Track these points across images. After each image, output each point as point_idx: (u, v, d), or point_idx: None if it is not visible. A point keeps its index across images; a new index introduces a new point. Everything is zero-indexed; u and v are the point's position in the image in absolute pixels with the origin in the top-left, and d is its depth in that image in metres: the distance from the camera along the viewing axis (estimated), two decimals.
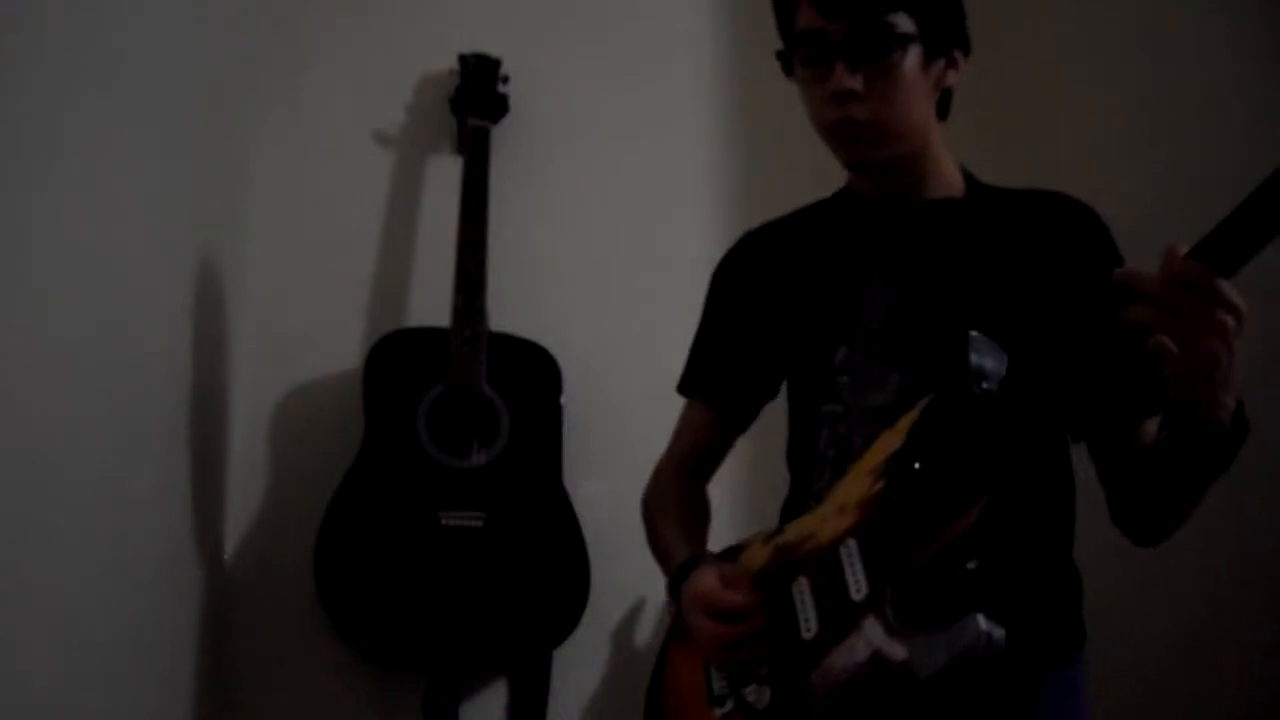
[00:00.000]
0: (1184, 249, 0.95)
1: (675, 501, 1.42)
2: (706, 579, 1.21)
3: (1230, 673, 1.91)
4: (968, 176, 1.34)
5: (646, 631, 2.18)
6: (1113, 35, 2.32)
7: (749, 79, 2.54)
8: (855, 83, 1.20)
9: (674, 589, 1.27)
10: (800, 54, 1.25)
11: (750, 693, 1.17)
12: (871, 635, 1.06)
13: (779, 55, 1.30)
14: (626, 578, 2.06)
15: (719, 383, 1.43)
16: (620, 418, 2.24)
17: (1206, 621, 1.96)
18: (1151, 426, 1.21)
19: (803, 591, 1.15)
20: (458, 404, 2.07)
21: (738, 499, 1.96)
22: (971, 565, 1.05)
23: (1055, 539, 1.26)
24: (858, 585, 1.09)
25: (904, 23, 1.20)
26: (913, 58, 1.22)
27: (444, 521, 1.97)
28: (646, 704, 1.35)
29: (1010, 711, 1.18)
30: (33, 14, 1.20)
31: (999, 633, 1.00)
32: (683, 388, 1.47)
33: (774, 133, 2.44)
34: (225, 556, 2.03)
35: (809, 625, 1.13)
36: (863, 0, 1.19)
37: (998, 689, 1.16)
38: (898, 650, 1.04)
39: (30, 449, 1.20)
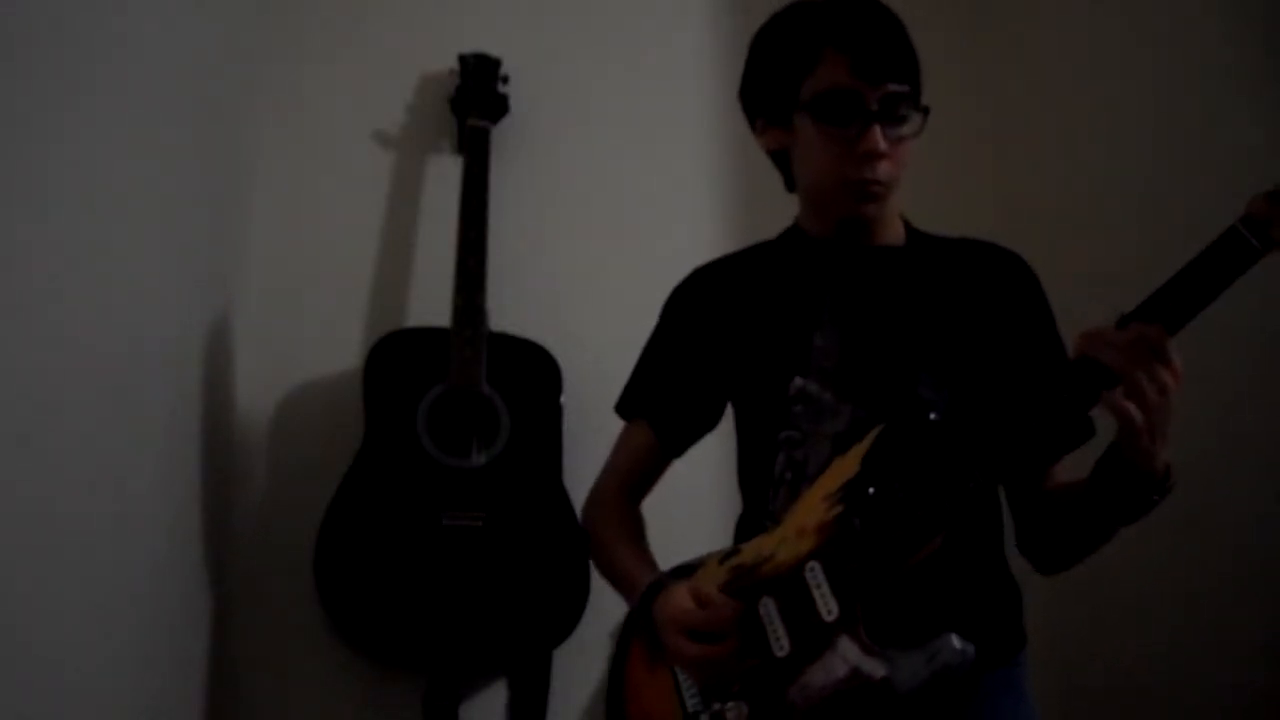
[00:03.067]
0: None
1: (621, 521, 1.47)
2: (680, 599, 1.24)
3: (1220, 680, 1.91)
4: (907, 225, 1.42)
5: None
6: (1111, 40, 2.32)
7: None
8: (886, 146, 1.28)
9: (643, 610, 1.29)
10: (824, 109, 1.29)
11: (729, 709, 1.20)
12: (848, 654, 1.13)
13: (768, 104, 1.38)
14: None
15: (662, 407, 1.48)
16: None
17: (1199, 628, 1.97)
18: (1061, 467, 1.32)
19: (770, 612, 1.20)
20: (458, 404, 2.07)
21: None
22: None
23: (991, 550, 1.34)
24: (828, 607, 1.16)
25: (917, 89, 1.31)
26: (916, 124, 1.31)
27: (444, 522, 1.97)
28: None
29: (955, 709, 1.22)
30: (34, 12, 1.20)
31: (970, 649, 1.09)
32: (623, 408, 1.52)
33: None
34: (226, 556, 2.03)
35: (781, 644, 1.18)
36: (901, 69, 1.29)
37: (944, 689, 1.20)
38: (877, 668, 1.11)
39: (31, 449, 1.20)
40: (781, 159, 1.41)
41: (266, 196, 2.23)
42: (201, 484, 1.89)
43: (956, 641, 1.09)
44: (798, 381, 1.32)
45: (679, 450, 1.50)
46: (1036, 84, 2.49)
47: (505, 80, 2.35)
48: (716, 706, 1.21)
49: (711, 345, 1.42)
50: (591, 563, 1.51)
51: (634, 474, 1.50)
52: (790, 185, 1.43)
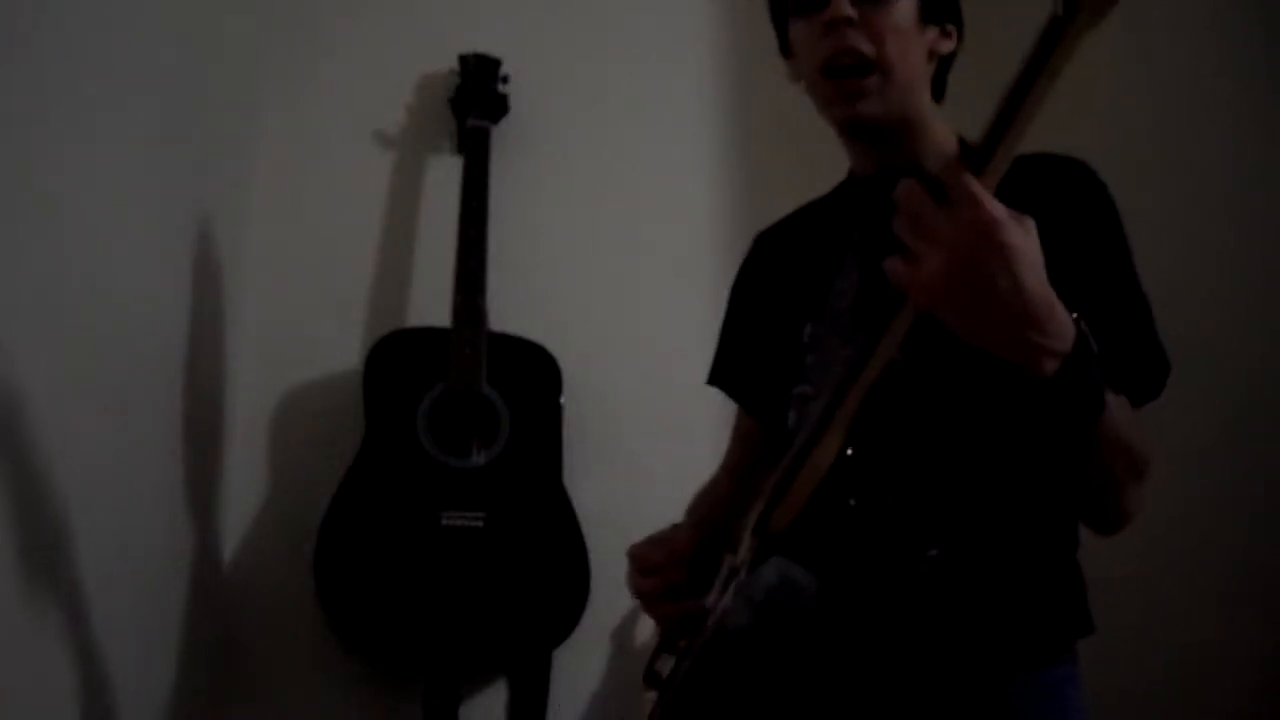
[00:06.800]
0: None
1: (708, 496, 1.42)
2: (648, 537, 1.19)
3: (1232, 684, 1.91)
4: (964, 146, 1.28)
5: (646, 631, 2.17)
6: (1107, 42, 2.32)
7: (749, 78, 2.54)
8: (852, 11, 1.18)
9: None
10: (796, 6, 1.24)
11: (660, 662, 1.18)
12: (728, 596, 1.03)
13: (776, 23, 1.30)
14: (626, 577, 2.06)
15: (736, 382, 1.43)
16: (620, 418, 2.24)
17: (1209, 631, 1.96)
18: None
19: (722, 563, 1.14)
20: (458, 404, 2.07)
21: None
22: (933, 553, 1.00)
23: (1037, 532, 1.15)
24: (744, 549, 1.06)
25: None
26: (907, 4, 1.21)
27: (444, 522, 1.97)
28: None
29: (977, 715, 1.09)
30: (34, 12, 1.20)
31: (803, 577, 0.95)
32: (711, 378, 1.45)
33: (775, 132, 2.44)
34: (225, 557, 2.03)
35: (711, 594, 1.12)
36: None
37: (960, 688, 1.09)
38: (729, 606, 1.01)
39: (29, 448, 1.20)
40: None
41: (266, 196, 2.23)
42: (201, 485, 1.89)
43: (778, 566, 0.96)
44: (809, 329, 1.23)
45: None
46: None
47: (505, 80, 2.35)
48: (660, 658, 1.19)
49: (762, 309, 1.37)
50: None
51: (744, 454, 1.43)
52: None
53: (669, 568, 1.15)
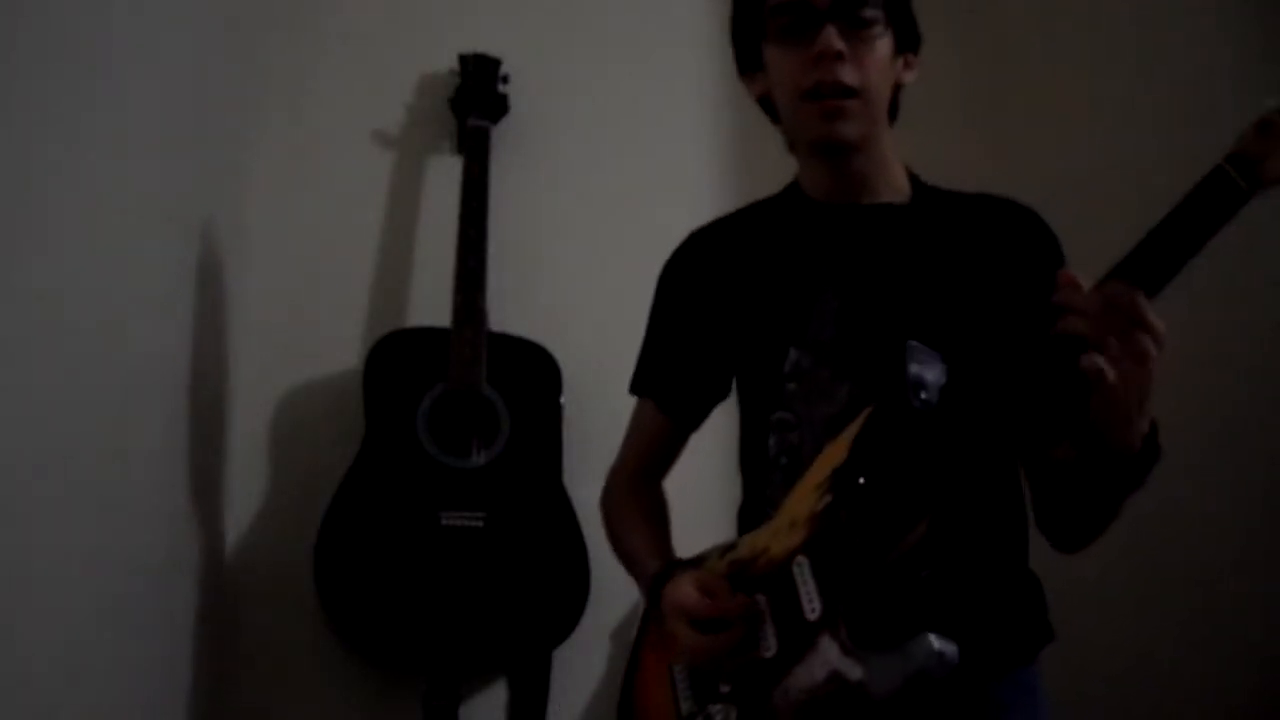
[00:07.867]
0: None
1: (635, 508, 1.44)
2: (685, 587, 1.21)
3: (1226, 677, 1.91)
4: (914, 179, 1.36)
5: None
6: (1108, 38, 2.32)
7: None
8: (842, 45, 1.23)
9: (653, 598, 1.28)
10: (779, 25, 1.28)
11: (717, 712, 1.17)
12: (828, 655, 1.08)
13: (736, 43, 1.36)
14: (626, 578, 2.05)
15: (667, 384, 1.44)
16: (620, 418, 2.22)
17: (1202, 624, 1.97)
18: None
19: (763, 609, 1.16)
20: (458, 404, 2.07)
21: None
22: (925, 573, 1.07)
23: (1007, 544, 1.28)
24: (811, 605, 1.11)
25: (879, 5, 1.27)
26: (886, 40, 1.28)
27: (444, 521, 1.97)
28: (618, 716, 1.35)
29: (970, 712, 1.20)
30: (35, 10, 1.20)
31: (951, 649, 1.02)
32: (633, 386, 1.49)
33: (774, 131, 2.44)
34: (225, 556, 2.03)
35: (769, 645, 1.14)
36: None
37: (955, 691, 1.15)
38: (854, 670, 1.06)
39: (29, 449, 1.20)
40: (768, 105, 1.37)
41: (266, 196, 2.23)
42: (201, 484, 1.90)
43: (934, 642, 1.02)
44: (793, 355, 1.27)
45: (692, 423, 1.46)
46: (1034, 82, 2.49)
47: (505, 80, 2.35)
48: (708, 709, 1.18)
49: (709, 315, 1.38)
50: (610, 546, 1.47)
51: (648, 453, 1.48)
52: (790, 142, 1.38)
53: (737, 624, 1.16)
